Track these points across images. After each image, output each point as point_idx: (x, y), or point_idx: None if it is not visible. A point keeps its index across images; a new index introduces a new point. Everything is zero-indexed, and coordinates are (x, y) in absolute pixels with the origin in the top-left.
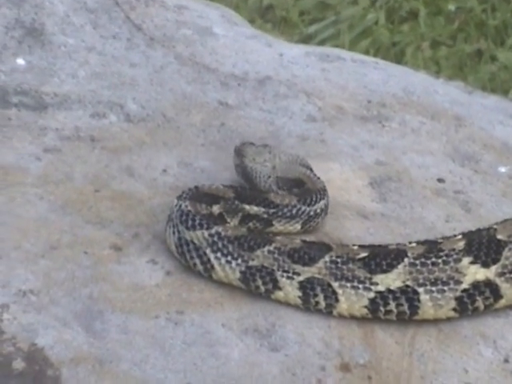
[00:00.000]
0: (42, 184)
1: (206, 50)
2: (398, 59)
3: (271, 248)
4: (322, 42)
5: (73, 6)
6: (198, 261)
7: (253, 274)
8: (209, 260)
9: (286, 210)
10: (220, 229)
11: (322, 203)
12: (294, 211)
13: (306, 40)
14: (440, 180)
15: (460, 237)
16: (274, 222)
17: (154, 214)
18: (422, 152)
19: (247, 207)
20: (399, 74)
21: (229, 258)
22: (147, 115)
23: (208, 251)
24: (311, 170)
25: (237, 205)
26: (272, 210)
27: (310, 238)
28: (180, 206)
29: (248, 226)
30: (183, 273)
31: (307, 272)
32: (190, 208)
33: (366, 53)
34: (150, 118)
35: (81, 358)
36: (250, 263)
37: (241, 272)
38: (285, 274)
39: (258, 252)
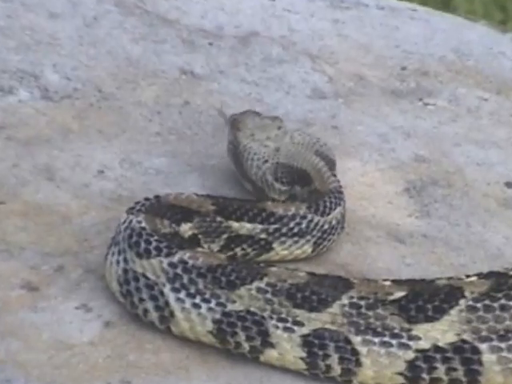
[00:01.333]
0: None
1: None
2: (446, 3)
3: (262, 284)
4: None
5: None
6: (150, 305)
7: (232, 324)
8: (167, 303)
9: (292, 223)
10: (186, 255)
11: (337, 211)
12: (304, 225)
13: None
14: (510, 184)
15: None
16: (274, 245)
17: (85, 238)
18: (484, 143)
19: (235, 225)
20: (448, 26)
21: (197, 299)
22: (74, 90)
23: (166, 290)
24: (332, 163)
25: (219, 222)
26: (273, 227)
27: (318, 269)
28: (130, 222)
29: (234, 254)
30: (130, 323)
31: (315, 321)
32: (144, 225)
33: None
34: (78, 95)
35: None
36: (229, 307)
37: (214, 321)
38: (281, 325)
39: (242, 290)
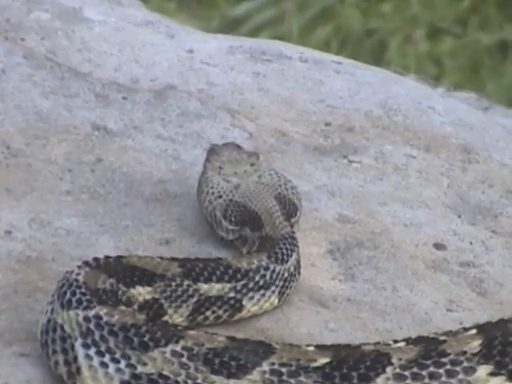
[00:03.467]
0: None
1: (72, 45)
2: (376, 57)
3: (177, 348)
4: (255, 31)
5: None
6: (61, 358)
7: None
8: (75, 359)
9: (258, 276)
10: (103, 311)
11: (293, 257)
12: (268, 276)
13: (231, 27)
14: (439, 246)
15: (474, 332)
16: (244, 302)
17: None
18: (411, 203)
19: (205, 287)
20: (375, 80)
21: (106, 358)
22: None
23: (77, 344)
24: (295, 208)
25: (187, 286)
26: (241, 283)
27: (238, 334)
28: (71, 273)
29: (205, 317)
30: None
31: None
32: (79, 278)
33: (326, 47)
34: None
35: None
36: (140, 369)
37: (122, 383)
38: None
39: (156, 353)
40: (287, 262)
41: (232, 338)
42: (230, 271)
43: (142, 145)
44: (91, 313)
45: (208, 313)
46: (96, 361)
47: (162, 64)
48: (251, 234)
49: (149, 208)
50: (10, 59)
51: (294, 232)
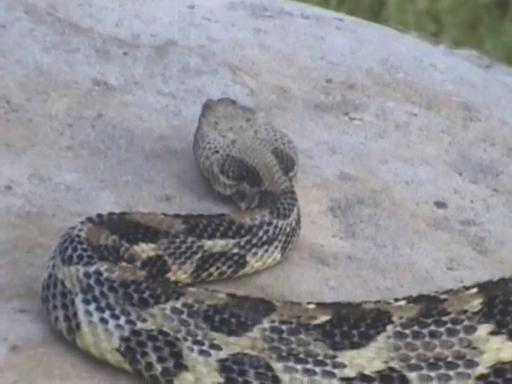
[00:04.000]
0: None
1: (73, 0)
2: (375, 13)
3: (178, 305)
4: None
5: None
6: (61, 313)
7: (142, 343)
8: (75, 314)
9: (261, 232)
10: (103, 267)
11: (295, 212)
12: (271, 231)
13: None
14: (440, 204)
15: (474, 291)
16: (247, 258)
17: None
18: (413, 160)
19: (208, 243)
20: (376, 37)
21: (105, 314)
22: None
23: (77, 300)
24: (292, 162)
25: (192, 242)
26: (245, 239)
27: (238, 291)
28: (73, 229)
29: (209, 274)
30: (37, 348)
31: (234, 345)
32: (81, 234)
33: (325, 3)
34: None
35: None
36: (139, 326)
37: (122, 339)
38: (196, 347)
39: (155, 309)
40: (289, 216)
41: (232, 296)
42: (234, 227)
43: (142, 100)
44: (92, 268)
45: (212, 269)
46: (96, 317)
47: (163, 19)
48: (250, 188)
49: (149, 164)
50: (10, 14)
51: (292, 186)
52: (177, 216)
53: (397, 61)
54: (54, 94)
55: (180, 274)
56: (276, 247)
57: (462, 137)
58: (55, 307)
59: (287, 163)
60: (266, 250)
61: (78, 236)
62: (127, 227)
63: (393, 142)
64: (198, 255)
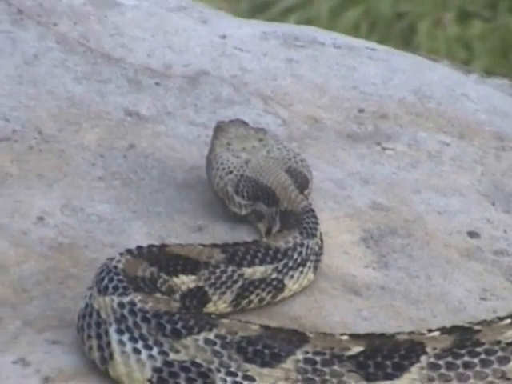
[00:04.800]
0: None
1: (105, 30)
2: (406, 40)
3: (211, 336)
4: (284, 14)
5: None
6: (95, 343)
7: (175, 374)
8: (109, 344)
9: (296, 254)
10: (138, 298)
11: (319, 230)
12: (304, 252)
13: (261, 10)
14: (472, 234)
15: (508, 321)
16: (285, 282)
17: (23, 288)
18: (445, 190)
19: (249, 271)
20: (408, 66)
21: (139, 344)
22: (13, 132)
23: (111, 330)
24: (306, 181)
25: (232, 271)
26: (282, 263)
27: (271, 322)
28: (111, 260)
29: (249, 301)
30: (69, 380)
31: (267, 377)
32: (118, 265)
33: (356, 31)
34: (17, 137)
35: None
36: (172, 357)
37: (154, 369)
38: (229, 379)
39: (189, 340)
40: (316, 236)
41: (265, 327)
42: (271, 252)
43: (174, 131)
44: (126, 299)
45: (252, 296)
46: (129, 347)
47: (195, 49)
48: (267, 209)
49: (181, 194)
50: (42, 44)
51: (310, 204)
52: (215, 246)
53: (429, 90)
54: (85, 125)
55: (220, 303)
56: (309, 267)
57: (494, 167)
58: (89, 337)
59: (301, 181)
60: (301, 272)
61: (116, 267)
62: (167, 259)
63: (425, 172)
64: (239, 284)
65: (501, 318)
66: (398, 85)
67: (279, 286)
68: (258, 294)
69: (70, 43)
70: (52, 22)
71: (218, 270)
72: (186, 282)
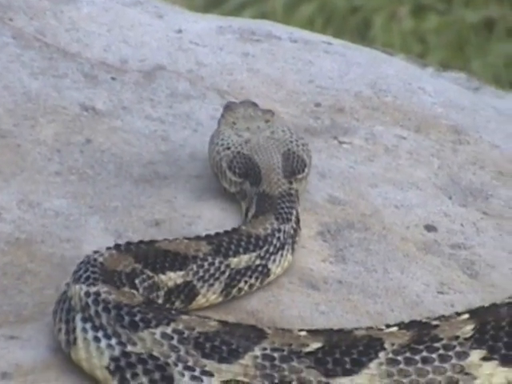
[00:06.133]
0: None
1: (61, 25)
2: (362, 35)
3: (168, 330)
4: (239, 9)
5: None
6: (63, 327)
7: (132, 364)
8: (74, 329)
9: (274, 240)
10: (104, 289)
11: (294, 215)
12: (282, 237)
13: (216, 5)
14: (430, 228)
15: (466, 317)
16: (269, 266)
17: None
18: (402, 184)
19: (235, 261)
20: (365, 60)
21: (99, 333)
22: None
23: (77, 317)
24: (303, 164)
25: (219, 263)
26: (264, 249)
27: (228, 317)
28: (95, 253)
29: (239, 289)
30: (29, 373)
31: (226, 372)
32: (97, 257)
33: (311, 25)
34: None
35: None
36: (129, 348)
37: (112, 358)
38: (187, 373)
39: (145, 333)
40: (290, 219)
41: (224, 323)
42: (253, 240)
43: (131, 126)
44: (92, 289)
45: (241, 284)
46: (90, 335)
47: (151, 44)
48: (250, 188)
49: (138, 189)
50: None
51: (295, 190)
52: (199, 238)
53: (385, 84)
54: (42, 120)
55: (209, 295)
56: (288, 250)
57: (451, 160)
58: (60, 320)
59: (297, 165)
60: (282, 255)
61: (95, 259)
62: (155, 256)
63: (382, 166)
64: (226, 274)
65: (458, 314)
66: (354, 79)
67: (265, 271)
68: (246, 282)
69: (26, 38)
70: (8, 17)
71: (205, 263)
72: (173, 278)
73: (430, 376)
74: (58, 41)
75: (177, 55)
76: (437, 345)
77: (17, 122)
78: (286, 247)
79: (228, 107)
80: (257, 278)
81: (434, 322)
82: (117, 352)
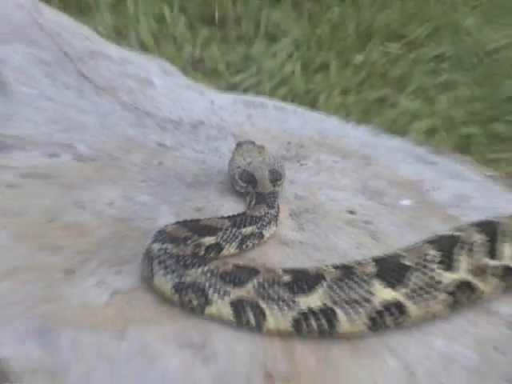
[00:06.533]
0: (0, 216)
1: (146, 98)
2: (313, 105)
3: (205, 269)
4: (246, 90)
5: (31, 59)
6: (147, 269)
7: (186, 288)
8: (152, 269)
9: (266, 218)
10: (169, 246)
11: (276, 206)
12: (270, 216)
13: (232, 88)
14: (351, 212)
15: (372, 262)
16: (263, 233)
17: (100, 242)
18: (335, 187)
19: (244, 230)
20: (314, 119)
21: (166, 270)
22: (95, 155)
23: (154, 262)
24: (279, 175)
25: (235, 231)
26: (260, 223)
27: (239, 261)
28: (166, 226)
29: (246, 246)
30: (127, 293)
31: (238, 292)
32: (168, 230)
33: (285, 99)
34: (97, 158)
35: (35, 370)
36: (183, 279)
37: (173, 285)
38: (216, 293)
39: (192, 271)
40: (274, 207)
41: (236, 265)
42: (254, 218)
43: (185, 155)
44: (163, 246)
45: (248, 242)
46: (161, 272)
47: (196, 109)
48: (252, 190)
49: (189, 190)
50: (111, 106)
51: (276, 190)
52: (223, 218)
53: (326, 132)
54: (135, 151)
55: (230, 249)
56: (273, 224)
57: (363, 175)
58: (145, 263)
59: (277, 176)
60: (270, 227)
61: (164, 230)
62: (199, 228)
63: (325, 177)
64: (239, 238)
65: (367, 260)
66: (309, 128)
67: (261, 236)
68: (250, 242)
69: (126, 105)
70: (116, 94)
71: (227, 232)
72: (209, 240)
73: (352, 295)
74: (144, 107)
75: (210, 115)
76: (356, 278)
77: (122, 152)
78: (272, 223)
79: (238, 144)
80: (256, 240)
81: (354, 265)
82: (176, 281)
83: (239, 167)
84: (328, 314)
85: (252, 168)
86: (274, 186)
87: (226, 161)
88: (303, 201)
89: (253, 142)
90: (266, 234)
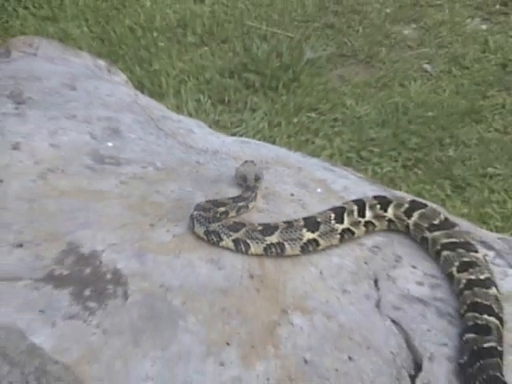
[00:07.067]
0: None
1: (190, 139)
2: (273, 142)
3: (221, 223)
4: (240, 135)
5: (133, 120)
6: (191, 223)
7: (215, 232)
8: (193, 225)
9: (250, 198)
10: (200, 212)
11: (256, 192)
12: (252, 197)
13: (233, 134)
14: (292, 194)
15: (301, 219)
16: (249, 206)
17: (168, 210)
18: (284, 182)
19: (239, 204)
20: (274, 149)
21: (200, 224)
22: (165, 167)
23: (194, 221)
24: (258, 178)
25: (238, 205)
26: (247, 201)
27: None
28: (201, 202)
29: (242, 212)
30: (181, 236)
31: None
32: (202, 204)
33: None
34: (166, 168)
35: (135, 274)
36: (210, 228)
37: (204, 232)
38: (225, 235)
39: (213, 225)
40: (256, 192)
41: (235, 221)
42: (244, 198)
43: (209, 167)
44: (198, 213)
45: (241, 211)
46: (197, 225)
47: (215, 144)
48: (244, 184)
49: (211, 185)
50: (172, 143)
51: (257, 185)
52: (229, 198)
53: (279, 155)
54: (184, 165)
55: (232, 214)
56: (253, 201)
57: (298, 176)
58: (191, 222)
59: (259, 178)
60: (251, 202)
61: (199, 204)
62: (217, 203)
63: (279, 177)
64: (237, 208)
65: (299, 219)
66: (271, 154)
67: (248, 207)
68: (242, 210)
69: (181, 143)
70: (176, 138)
71: (232, 205)
72: (222, 209)
73: (291, 235)
74: (189, 143)
75: (222, 148)
76: (294, 227)
77: (178, 166)
78: (253, 200)
79: (244, 162)
80: (245, 209)
81: (292, 221)
82: (205, 229)
83: (240, 172)
84: (280, 245)
85: (246, 172)
86: (256, 182)
87: (232, 170)
88: (268, 190)
89: (252, 161)
90: (250, 206)
